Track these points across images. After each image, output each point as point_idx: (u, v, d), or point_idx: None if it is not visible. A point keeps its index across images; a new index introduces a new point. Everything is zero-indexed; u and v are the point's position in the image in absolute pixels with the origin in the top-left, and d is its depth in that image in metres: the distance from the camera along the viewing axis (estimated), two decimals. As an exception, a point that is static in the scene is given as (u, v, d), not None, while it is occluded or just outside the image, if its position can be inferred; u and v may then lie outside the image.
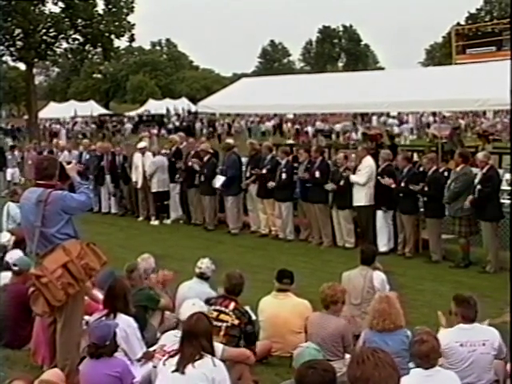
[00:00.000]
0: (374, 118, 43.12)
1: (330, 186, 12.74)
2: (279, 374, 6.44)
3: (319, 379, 3.56)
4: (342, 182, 12.64)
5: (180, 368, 4.70)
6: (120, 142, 27.52)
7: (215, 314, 6.32)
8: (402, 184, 11.88)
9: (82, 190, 5.82)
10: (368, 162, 12.74)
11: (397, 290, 7.43)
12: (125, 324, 5.84)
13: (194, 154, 15.30)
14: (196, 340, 4.79)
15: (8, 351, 6.93)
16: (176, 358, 4.80)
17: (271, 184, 13.52)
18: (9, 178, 22.42)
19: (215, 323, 6.09)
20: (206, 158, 14.92)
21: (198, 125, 48.90)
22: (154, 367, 5.39)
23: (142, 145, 16.45)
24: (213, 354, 4.90)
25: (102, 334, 5.29)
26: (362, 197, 12.49)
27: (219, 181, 14.33)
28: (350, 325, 6.97)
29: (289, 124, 46.63)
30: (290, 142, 27.90)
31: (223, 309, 6.38)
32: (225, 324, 6.27)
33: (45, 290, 5.38)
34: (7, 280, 7.62)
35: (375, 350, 3.12)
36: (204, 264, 7.72)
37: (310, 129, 40.40)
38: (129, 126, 54.67)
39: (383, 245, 12.26)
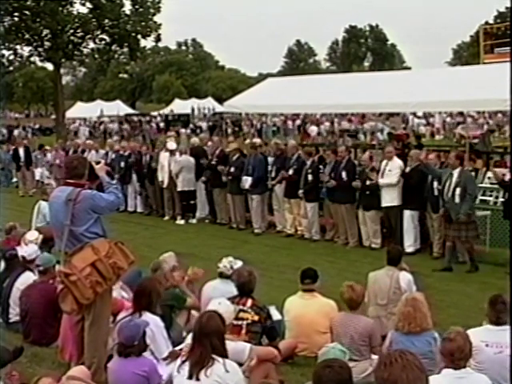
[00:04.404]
0: (411, 117, 42.74)
1: (355, 184, 12.70)
2: (305, 374, 6.40)
3: (337, 377, 3.55)
4: (368, 182, 12.59)
5: (194, 374, 4.63)
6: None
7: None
8: (434, 184, 11.77)
9: (110, 189, 5.86)
10: (397, 162, 12.70)
11: (423, 291, 7.38)
12: (152, 323, 5.86)
13: (220, 153, 15.36)
14: (207, 339, 4.71)
15: (36, 348, 7.01)
16: (188, 363, 4.72)
17: (301, 192, 13.52)
18: (37, 177, 22.63)
19: (235, 322, 6.09)
20: (234, 158, 14.97)
21: (204, 124, 48.92)
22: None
23: (172, 146, 16.48)
24: (225, 354, 4.81)
25: (130, 333, 5.30)
26: (394, 198, 12.41)
27: (247, 182, 14.33)
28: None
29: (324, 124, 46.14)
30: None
31: (241, 307, 6.35)
32: (245, 322, 6.25)
33: (73, 288, 5.43)
34: (31, 280, 7.73)
35: (403, 352, 3.11)
36: (222, 263, 7.73)
37: (314, 128, 40.35)
38: (161, 125, 54.92)
39: (410, 245, 12.20)
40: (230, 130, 46.35)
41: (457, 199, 10.97)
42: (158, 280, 6.97)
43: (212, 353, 4.72)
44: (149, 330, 5.69)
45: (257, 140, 17.54)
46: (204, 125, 49.86)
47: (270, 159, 14.75)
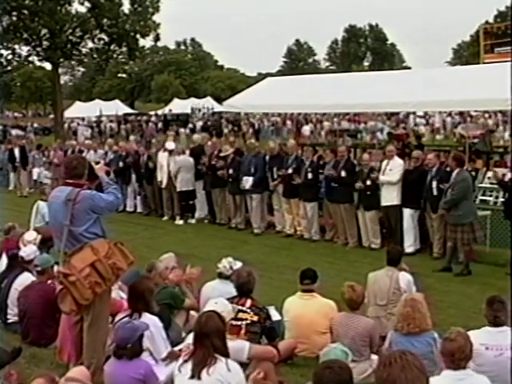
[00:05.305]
0: (412, 117, 42.74)
1: (358, 185, 12.66)
2: (304, 374, 6.38)
3: (337, 378, 3.54)
4: (368, 182, 12.56)
5: (195, 373, 4.63)
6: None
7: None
8: (433, 183, 11.73)
9: (110, 190, 5.84)
10: (398, 161, 12.71)
11: (423, 291, 7.36)
12: (150, 323, 5.84)
13: (218, 153, 15.32)
14: (207, 339, 4.70)
15: (34, 349, 6.98)
16: (190, 363, 4.72)
17: (297, 180, 13.47)
18: (35, 177, 22.58)
19: (235, 322, 6.08)
20: (230, 159, 14.94)
21: (199, 124, 48.90)
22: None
23: (171, 146, 16.43)
24: (226, 354, 4.80)
25: (124, 336, 5.27)
26: (394, 197, 12.39)
27: (248, 182, 14.27)
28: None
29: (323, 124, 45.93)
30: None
31: (240, 307, 6.33)
32: (244, 322, 6.22)
33: (72, 288, 5.40)
34: (29, 281, 7.70)
35: (404, 353, 3.10)
36: (221, 264, 7.72)
37: (307, 128, 40.31)
38: (159, 124, 54.84)
39: (409, 245, 12.17)
40: (227, 130, 46.28)
41: (451, 203, 11.03)
42: (153, 279, 6.95)
43: (214, 353, 4.71)
44: (148, 330, 5.67)
45: (253, 140, 17.51)
46: (199, 124, 49.73)
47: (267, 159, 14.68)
